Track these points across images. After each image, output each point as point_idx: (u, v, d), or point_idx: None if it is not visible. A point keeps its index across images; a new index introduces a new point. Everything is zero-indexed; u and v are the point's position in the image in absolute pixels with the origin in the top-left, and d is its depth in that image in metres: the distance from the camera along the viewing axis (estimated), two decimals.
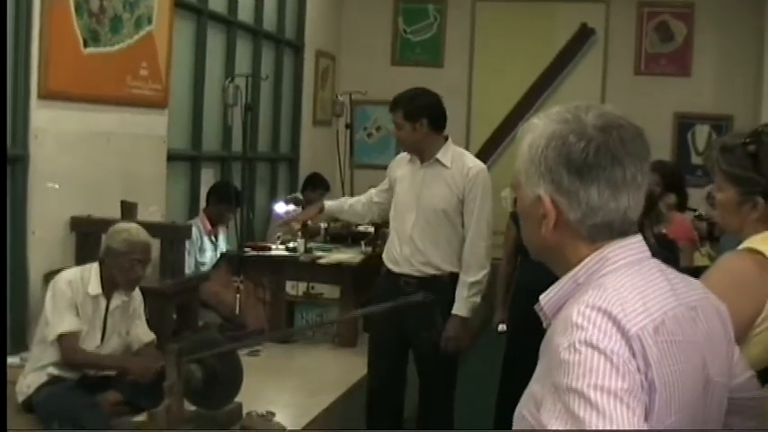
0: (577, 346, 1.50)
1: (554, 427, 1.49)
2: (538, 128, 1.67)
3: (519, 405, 1.68)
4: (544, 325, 1.69)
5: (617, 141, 1.61)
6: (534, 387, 1.63)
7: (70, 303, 4.33)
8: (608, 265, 1.63)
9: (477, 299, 4.86)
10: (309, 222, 6.04)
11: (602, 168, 1.61)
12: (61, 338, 4.29)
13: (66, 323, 4.30)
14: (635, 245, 1.66)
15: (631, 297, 1.57)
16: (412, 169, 4.87)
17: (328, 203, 5.07)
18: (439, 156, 4.80)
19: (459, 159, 4.84)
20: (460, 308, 4.80)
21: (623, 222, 1.64)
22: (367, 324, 5.37)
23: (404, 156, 5.00)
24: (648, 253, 1.68)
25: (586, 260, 1.64)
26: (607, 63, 10.27)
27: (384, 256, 5.00)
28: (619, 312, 1.53)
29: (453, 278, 4.83)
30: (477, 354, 8.21)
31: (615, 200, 1.62)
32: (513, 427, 1.69)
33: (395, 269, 4.86)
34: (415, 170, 4.85)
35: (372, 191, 5.19)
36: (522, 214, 1.73)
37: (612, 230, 1.64)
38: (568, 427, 1.46)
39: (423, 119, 4.76)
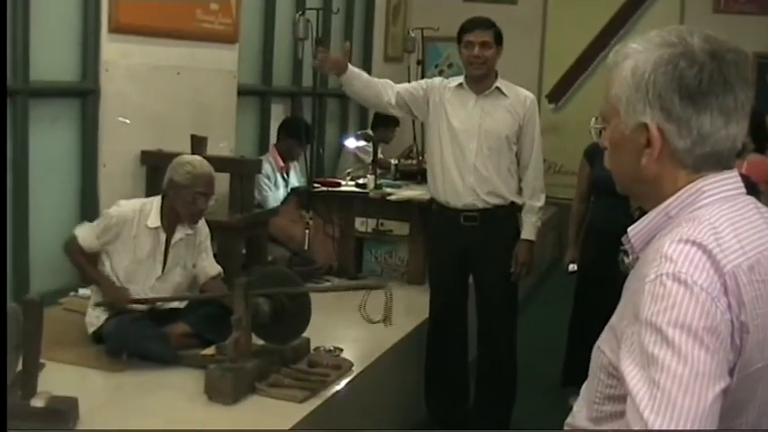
0: (664, 278, 1.44)
1: (626, 363, 1.45)
2: (640, 53, 1.58)
3: (599, 339, 1.64)
4: (630, 258, 1.63)
5: (729, 67, 1.54)
6: (614, 321, 1.59)
7: (105, 226, 4.39)
8: (703, 198, 1.55)
9: (540, 223, 5.05)
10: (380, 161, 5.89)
11: (714, 95, 1.53)
12: (74, 238, 4.40)
13: (86, 234, 4.41)
14: (731, 179, 1.58)
15: (727, 233, 1.50)
16: (465, 99, 4.86)
17: (351, 67, 4.94)
18: (498, 84, 4.86)
19: (512, 89, 4.92)
20: (531, 233, 4.96)
21: (731, 151, 1.57)
22: (430, 263, 5.34)
23: (445, 83, 4.97)
24: (744, 189, 1.60)
25: (680, 192, 1.57)
26: (684, 0, 9.98)
27: (436, 191, 4.95)
28: (714, 247, 1.47)
29: (512, 208, 4.93)
30: (546, 293, 8.18)
31: (726, 128, 1.55)
32: (592, 362, 1.65)
33: (454, 203, 4.85)
34: (471, 100, 4.85)
35: (390, 82, 5.06)
36: (615, 144, 1.65)
37: (720, 160, 1.57)
38: (639, 365, 1.42)
39: (501, 46, 4.88)
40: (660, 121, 1.55)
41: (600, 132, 1.70)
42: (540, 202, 4.96)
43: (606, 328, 1.63)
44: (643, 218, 1.62)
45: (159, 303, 4.47)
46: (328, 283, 5.89)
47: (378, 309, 4.02)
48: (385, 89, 4.95)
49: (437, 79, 5.09)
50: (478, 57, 4.77)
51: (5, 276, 3.38)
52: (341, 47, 8.72)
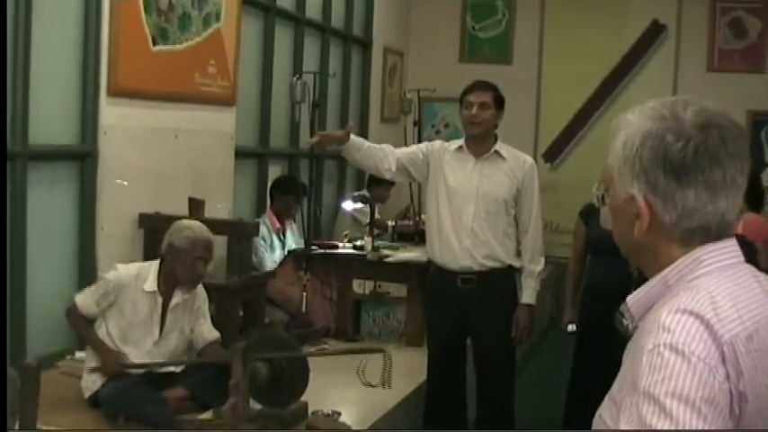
0: (661, 349, 1.44)
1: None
2: (633, 125, 1.59)
3: (600, 408, 1.63)
4: (630, 327, 1.62)
5: (717, 141, 1.53)
6: (615, 390, 1.58)
7: (103, 293, 4.41)
8: (701, 267, 1.55)
9: (538, 287, 5.05)
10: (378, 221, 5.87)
11: (700, 170, 1.52)
12: (74, 305, 4.45)
13: (86, 300, 4.45)
14: (730, 248, 1.58)
15: (724, 302, 1.49)
16: (464, 162, 4.90)
17: (353, 136, 4.98)
18: (497, 148, 4.90)
19: (511, 152, 4.96)
20: (531, 297, 4.97)
21: (720, 225, 1.56)
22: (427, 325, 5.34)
23: (445, 146, 5.02)
24: (742, 258, 1.60)
25: (678, 261, 1.57)
26: (679, 59, 10.07)
27: (433, 253, 4.97)
28: (712, 317, 1.47)
29: (510, 271, 4.95)
30: (544, 352, 8.16)
31: (713, 203, 1.54)
32: (593, 428, 1.64)
33: (451, 266, 4.86)
34: (470, 162, 4.90)
35: (391, 147, 5.09)
36: (613, 212, 1.66)
37: (709, 234, 1.56)
38: None
39: (502, 111, 4.95)
40: (647, 194, 1.56)
41: (602, 198, 1.71)
42: (540, 266, 4.98)
43: (607, 396, 1.62)
44: (642, 287, 1.62)
45: (156, 368, 4.45)
46: (326, 346, 5.86)
47: (376, 372, 4.01)
48: (386, 157, 4.97)
49: (437, 142, 5.12)
50: (476, 116, 4.82)
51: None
52: (339, 109, 8.82)
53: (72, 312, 4.46)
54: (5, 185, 3.65)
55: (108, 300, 4.40)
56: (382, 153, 4.98)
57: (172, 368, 4.51)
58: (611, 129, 1.66)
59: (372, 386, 4.03)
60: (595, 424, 1.63)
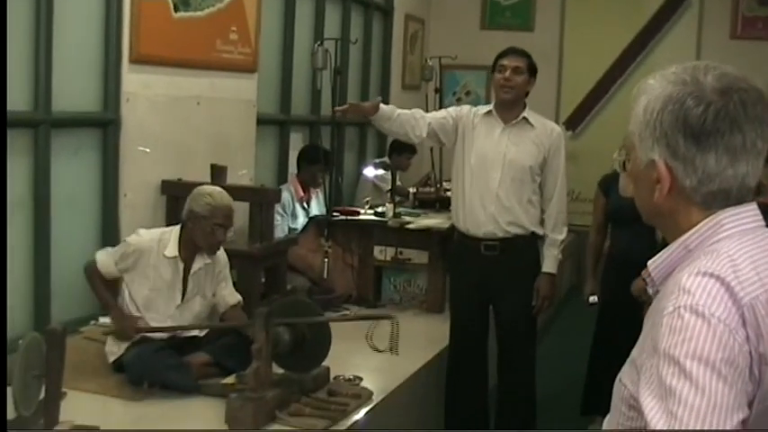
0: (682, 311, 1.45)
1: (645, 395, 1.45)
2: (654, 89, 1.59)
3: (621, 372, 1.65)
4: (650, 292, 1.64)
5: (738, 105, 1.53)
6: (635, 354, 1.60)
7: (123, 254, 4.45)
8: (721, 231, 1.56)
9: (560, 256, 5.05)
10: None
11: (720, 134, 1.53)
12: (93, 262, 4.48)
13: (106, 260, 4.47)
14: (750, 212, 1.59)
15: (745, 265, 1.50)
16: (493, 127, 4.88)
17: (383, 106, 4.97)
18: (526, 114, 4.89)
19: (540, 120, 4.95)
20: (552, 266, 4.97)
21: (740, 189, 1.57)
22: (450, 292, 5.34)
23: (474, 110, 5.00)
24: (763, 222, 1.60)
25: (699, 226, 1.58)
26: (702, 27, 9.99)
27: (458, 219, 4.97)
28: (732, 279, 1.47)
29: (533, 238, 4.94)
30: (564, 321, 8.16)
31: (733, 167, 1.54)
32: (614, 394, 1.66)
33: (475, 232, 4.86)
34: (498, 129, 4.87)
35: (422, 112, 5.08)
36: (634, 178, 1.66)
37: (729, 198, 1.57)
38: (657, 397, 1.42)
39: (534, 79, 4.93)
40: (667, 159, 1.57)
41: (623, 164, 1.71)
42: (563, 235, 4.98)
43: (628, 361, 1.63)
44: (662, 251, 1.62)
45: (179, 332, 4.49)
46: (347, 312, 5.88)
47: (385, 338, 4.04)
48: (417, 123, 4.95)
49: (466, 107, 5.10)
50: (509, 80, 4.81)
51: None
52: (360, 76, 8.81)
53: (91, 269, 4.49)
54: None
55: (126, 262, 4.42)
56: (413, 120, 4.97)
57: (195, 333, 4.55)
58: (633, 95, 1.66)
59: (379, 351, 4.04)
60: (616, 389, 1.65)
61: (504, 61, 4.85)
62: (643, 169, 1.61)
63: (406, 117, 4.97)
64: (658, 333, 1.47)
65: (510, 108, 4.87)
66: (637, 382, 1.52)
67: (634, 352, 1.62)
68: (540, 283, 4.93)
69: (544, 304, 4.96)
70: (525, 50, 4.98)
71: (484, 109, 4.97)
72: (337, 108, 5.14)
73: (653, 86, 1.60)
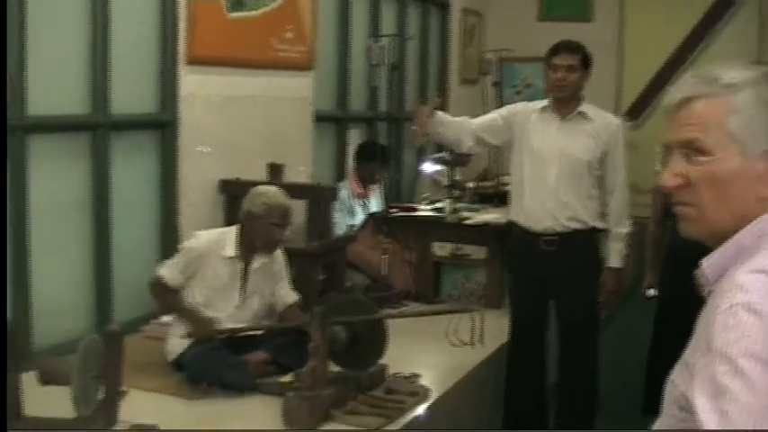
0: (736, 309, 1.42)
1: (697, 394, 1.42)
2: (757, 82, 1.57)
3: (672, 373, 1.61)
4: (705, 291, 1.60)
5: None
6: (688, 354, 1.56)
7: (187, 261, 4.45)
8: None
9: (626, 250, 4.94)
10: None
11: None
12: (158, 278, 4.45)
13: (171, 272, 4.46)
14: None
15: None
16: (548, 122, 4.83)
17: (440, 113, 4.98)
18: (582, 108, 4.82)
19: (598, 113, 4.87)
20: (617, 260, 4.91)
21: None
22: (510, 288, 5.31)
23: (530, 106, 4.95)
24: None
25: (753, 224, 1.55)
26: (764, 17, 9.79)
27: (516, 214, 4.93)
28: None
29: (593, 233, 4.87)
30: (626, 315, 8.07)
31: None
32: (665, 395, 1.63)
33: (534, 227, 4.82)
34: (554, 123, 4.82)
35: (469, 120, 5.05)
36: (721, 179, 1.58)
37: None
38: (710, 395, 1.40)
39: (588, 71, 4.85)
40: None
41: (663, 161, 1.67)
42: (627, 229, 4.90)
43: (679, 361, 1.60)
44: (716, 250, 1.59)
45: (245, 332, 4.52)
46: (414, 307, 5.86)
47: (462, 333, 4.03)
48: (465, 132, 4.96)
49: (520, 104, 5.06)
50: (562, 80, 4.75)
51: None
52: (417, 71, 8.80)
53: (157, 285, 4.48)
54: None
55: (192, 268, 4.45)
56: (461, 128, 4.97)
57: (252, 332, 4.58)
58: (697, 93, 1.61)
59: (465, 344, 4.03)
60: (667, 390, 1.62)
61: (557, 60, 4.78)
62: (747, 164, 1.57)
63: (455, 128, 4.97)
64: (712, 331, 1.44)
65: (566, 103, 4.82)
66: (688, 383, 1.49)
67: (687, 352, 1.58)
68: (606, 278, 4.88)
69: (611, 299, 4.90)
70: (577, 44, 4.89)
71: (540, 104, 4.92)
72: (417, 130, 5.06)
73: (753, 78, 1.58)
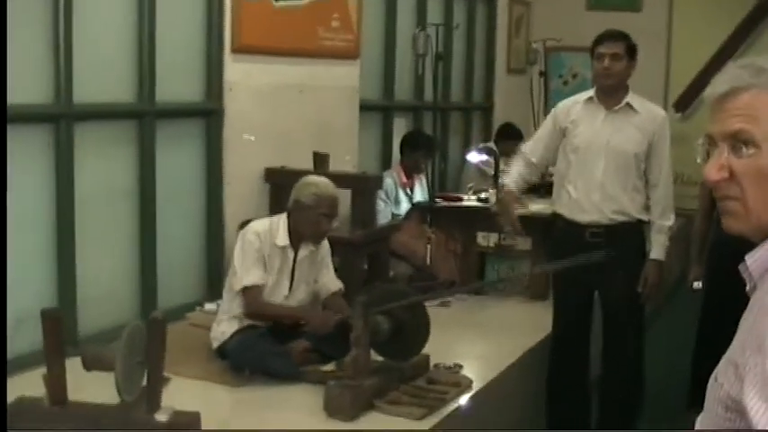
0: None
1: (749, 396, 1.38)
2: None
3: (715, 370, 1.56)
4: (748, 287, 1.56)
5: None
6: (735, 353, 1.50)
7: (257, 256, 4.39)
8: None
9: (668, 242, 4.89)
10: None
11: None
12: (245, 290, 4.37)
13: (252, 276, 4.37)
14: None
15: None
16: (595, 114, 4.77)
17: (510, 189, 5.03)
18: (629, 99, 4.75)
19: (644, 105, 4.81)
20: (660, 252, 4.84)
21: None
22: (554, 279, 5.27)
23: (572, 101, 4.90)
24: None
25: None
26: None
27: (562, 207, 4.89)
28: None
29: (639, 225, 4.82)
30: (672, 308, 7.99)
31: None
32: (708, 394, 1.57)
33: (580, 219, 4.78)
34: (600, 115, 4.76)
35: (523, 154, 5.05)
36: (760, 174, 1.53)
37: None
38: (764, 397, 1.36)
39: (635, 60, 4.79)
40: None
41: (707, 154, 1.61)
42: (670, 222, 4.84)
43: (724, 359, 1.55)
44: (760, 246, 1.55)
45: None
46: (450, 299, 5.84)
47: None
48: (529, 176, 5.06)
49: (559, 105, 5.00)
50: (608, 68, 4.68)
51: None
52: (464, 61, 8.76)
53: (252, 295, 4.37)
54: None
55: (262, 260, 4.42)
56: (527, 170, 5.02)
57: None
58: (748, 83, 1.57)
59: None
60: (711, 387, 1.57)
61: (602, 48, 4.72)
62: None
63: (525, 174, 5.03)
64: (764, 331, 1.40)
65: (612, 94, 4.75)
66: (734, 383, 1.45)
67: (732, 350, 1.54)
68: (648, 270, 4.82)
69: (651, 292, 4.85)
70: (623, 32, 4.82)
71: (585, 95, 4.86)
72: (507, 229, 5.16)
73: None
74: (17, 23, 3.99)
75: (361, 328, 3.82)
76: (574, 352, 4.98)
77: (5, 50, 3.76)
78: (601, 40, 4.77)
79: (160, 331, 3.34)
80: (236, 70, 5.40)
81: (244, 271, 4.38)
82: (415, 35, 6.62)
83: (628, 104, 4.74)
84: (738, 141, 1.53)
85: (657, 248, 4.82)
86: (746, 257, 1.55)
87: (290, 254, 4.50)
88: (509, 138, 8.21)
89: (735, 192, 1.55)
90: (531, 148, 5.03)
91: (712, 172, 1.56)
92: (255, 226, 4.51)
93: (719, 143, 1.56)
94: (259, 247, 4.40)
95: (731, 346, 1.54)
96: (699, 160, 1.65)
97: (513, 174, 5.04)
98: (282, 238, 4.46)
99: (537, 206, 6.50)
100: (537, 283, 6.14)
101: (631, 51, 4.75)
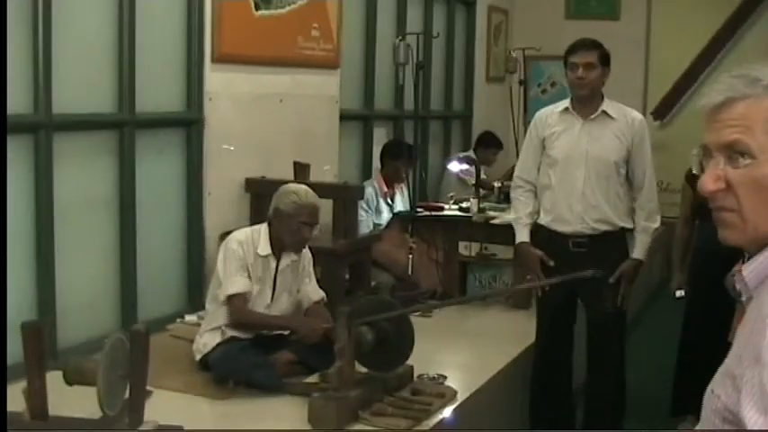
0: None
1: (747, 408, 1.37)
2: None
3: (711, 382, 1.55)
4: (743, 298, 1.54)
5: None
6: (732, 365, 1.49)
7: (241, 264, 4.37)
8: None
9: (650, 243, 4.91)
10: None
11: None
12: (230, 300, 4.34)
13: (236, 285, 4.34)
14: None
15: None
16: (572, 124, 4.76)
17: (525, 239, 4.94)
18: (605, 107, 4.74)
19: (621, 110, 4.80)
20: (641, 252, 4.84)
21: None
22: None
23: (549, 110, 4.89)
24: None
25: None
26: None
27: (545, 217, 4.87)
28: None
29: (622, 234, 4.83)
30: (653, 315, 8.01)
31: None
32: (704, 406, 1.56)
33: (563, 230, 4.77)
34: (577, 125, 4.75)
35: (518, 180, 4.99)
36: (766, 182, 1.51)
37: None
38: (762, 410, 1.34)
39: (608, 68, 4.77)
40: None
41: (701, 163, 1.61)
42: (657, 224, 4.84)
43: (720, 370, 1.54)
44: (756, 257, 1.53)
45: (266, 331, 4.51)
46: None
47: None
48: (532, 197, 4.95)
49: (537, 115, 4.98)
50: (582, 78, 4.68)
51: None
52: (443, 70, 8.76)
53: (236, 304, 4.34)
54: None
55: (244, 268, 4.39)
56: (530, 197, 4.95)
57: (280, 331, 4.56)
58: (742, 92, 1.55)
59: None
60: (707, 400, 1.56)
61: (575, 58, 4.71)
62: None
63: (529, 203, 4.94)
64: (761, 342, 1.39)
65: (587, 103, 4.75)
66: (732, 395, 1.43)
67: (729, 361, 1.52)
68: (626, 266, 4.78)
69: (626, 291, 4.82)
70: (595, 41, 4.81)
71: (561, 106, 4.85)
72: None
73: None
74: None
75: (345, 339, 3.79)
76: (557, 360, 4.98)
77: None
78: (573, 49, 4.76)
79: (143, 344, 3.30)
80: (216, 80, 5.38)
81: (228, 280, 4.36)
82: (395, 44, 6.61)
83: (604, 112, 4.74)
84: (734, 152, 1.52)
85: (640, 248, 4.82)
86: (742, 268, 1.54)
87: (273, 263, 4.48)
88: (488, 146, 8.22)
89: (731, 203, 1.54)
90: (524, 171, 4.98)
91: (708, 183, 1.55)
92: (237, 235, 4.49)
93: (715, 154, 1.55)
94: (242, 255, 4.37)
95: (727, 358, 1.52)
96: (694, 171, 1.65)
97: (520, 211, 4.96)
98: (264, 248, 4.44)
99: None
100: (519, 292, 6.13)
101: (605, 59, 4.74)
